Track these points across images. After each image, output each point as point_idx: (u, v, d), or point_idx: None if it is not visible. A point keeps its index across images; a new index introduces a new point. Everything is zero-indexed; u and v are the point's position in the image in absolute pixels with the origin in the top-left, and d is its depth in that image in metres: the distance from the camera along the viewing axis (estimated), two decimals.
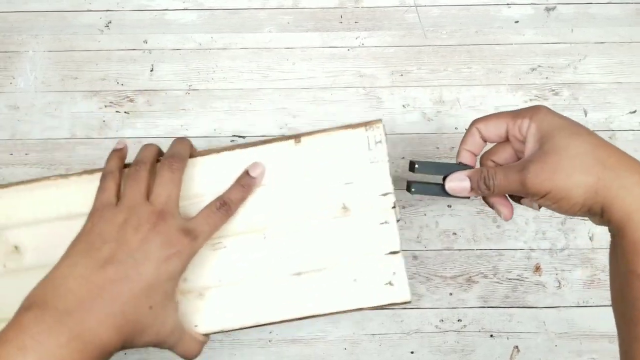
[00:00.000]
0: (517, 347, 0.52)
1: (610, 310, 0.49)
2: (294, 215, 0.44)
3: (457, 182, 0.40)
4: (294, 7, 0.54)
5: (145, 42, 0.53)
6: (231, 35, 0.54)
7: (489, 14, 0.54)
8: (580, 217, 0.38)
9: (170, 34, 0.53)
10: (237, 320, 0.44)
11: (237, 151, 0.45)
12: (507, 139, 0.40)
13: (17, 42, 0.53)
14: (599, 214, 0.35)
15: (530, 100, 0.54)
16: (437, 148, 0.53)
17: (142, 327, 0.37)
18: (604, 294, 0.53)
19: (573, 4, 0.54)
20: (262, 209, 0.44)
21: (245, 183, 0.43)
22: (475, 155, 0.42)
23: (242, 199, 0.43)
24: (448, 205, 0.53)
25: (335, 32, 0.54)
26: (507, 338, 0.52)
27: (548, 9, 0.54)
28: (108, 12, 0.54)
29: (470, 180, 0.40)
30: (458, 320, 0.53)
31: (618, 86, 0.54)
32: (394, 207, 0.43)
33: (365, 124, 0.44)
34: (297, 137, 0.44)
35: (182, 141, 0.44)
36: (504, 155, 0.41)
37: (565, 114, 0.54)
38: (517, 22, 0.54)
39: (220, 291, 0.44)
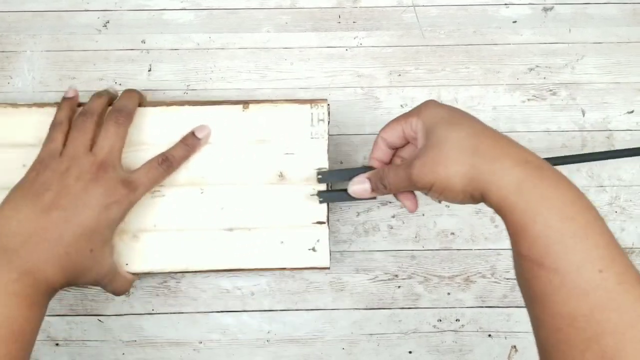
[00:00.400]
0: (515, 346, 0.53)
1: None
2: (232, 176, 0.47)
3: (359, 185, 0.42)
4: (292, 7, 0.54)
5: (143, 42, 0.53)
6: (229, 35, 0.54)
7: (487, 14, 0.54)
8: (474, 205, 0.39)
9: (168, 33, 0.53)
10: (167, 264, 0.47)
11: (187, 107, 0.47)
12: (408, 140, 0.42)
13: (14, 42, 0.53)
14: (481, 200, 0.36)
15: (528, 100, 0.54)
16: None
17: (84, 268, 0.40)
18: None
19: (571, 4, 0.54)
20: (203, 165, 0.47)
21: (190, 143, 0.45)
22: (386, 163, 0.44)
23: (185, 157, 0.45)
24: (446, 205, 0.53)
25: (333, 32, 0.54)
26: (505, 338, 0.52)
27: (546, 9, 0.54)
28: (106, 11, 0.53)
29: (370, 182, 0.41)
30: (456, 320, 0.53)
31: (616, 86, 0.54)
32: (330, 186, 0.47)
33: (311, 101, 0.47)
34: (245, 103, 0.47)
35: (130, 93, 0.45)
36: (408, 150, 0.43)
37: (563, 114, 0.54)
38: (515, 22, 0.54)
39: (154, 235, 0.47)
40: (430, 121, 0.38)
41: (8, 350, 0.35)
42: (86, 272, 0.40)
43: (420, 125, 0.38)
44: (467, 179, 0.35)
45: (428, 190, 0.37)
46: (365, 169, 0.44)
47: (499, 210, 0.34)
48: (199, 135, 0.45)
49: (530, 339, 0.53)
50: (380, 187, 0.41)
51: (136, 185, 0.42)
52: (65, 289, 0.52)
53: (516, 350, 0.53)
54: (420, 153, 0.37)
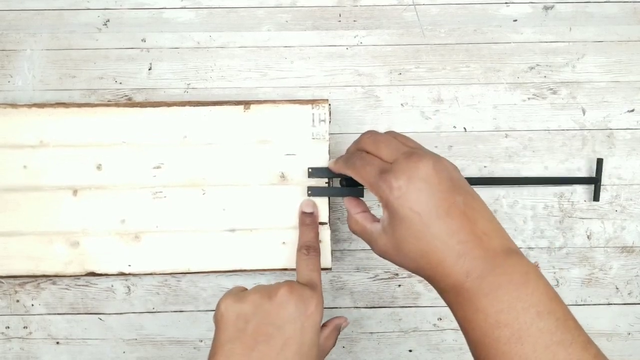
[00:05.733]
0: None
1: (608, 308, 0.49)
2: (234, 176, 0.47)
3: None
4: (292, 5, 0.54)
5: (144, 40, 0.53)
6: (229, 34, 0.53)
7: (488, 12, 0.54)
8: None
9: (169, 32, 0.53)
10: (168, 265, 0.47)
11: (188, 108, 0.48)
12: None
13: (14, 41, 0.53)
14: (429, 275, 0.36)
15: (529, 98, 0.54)
16: (436, 147, 0.53)
17: None
18: (602, 292, 0.53)
19: (571, 2, 0.54)
20: (204, 166, 0.48)
21: (309, 221, 0.46)
22: None
23: (317, 235, 0.46)
24: None
25: (333, 31, 0.54)
26: None
27: (546, 8, 0.54)
28: (106, 10, 0.53)
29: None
30: None
31: (616, 85, 0.54)
32: (327, 183, 0.47)
33: (312, 101, 0.48)
34: (247, 103, 0.47)
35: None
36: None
37: (564, 112, 0.54)
38: (515, 20, 0.54)
39: (156, 236, 0.48)
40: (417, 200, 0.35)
41: None
42: None
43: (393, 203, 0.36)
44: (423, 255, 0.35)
45: (386, 205, 0.36)
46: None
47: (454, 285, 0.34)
48: (307, 210, 0.47)
49: None
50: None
51: (314, 281, 0.41)
52: (66, 286, 0.52)
53: None
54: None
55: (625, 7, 0.54)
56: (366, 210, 0.41)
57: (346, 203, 0.42)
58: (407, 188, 0.35)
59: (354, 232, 0.41)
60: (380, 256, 0.39)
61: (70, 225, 0.47)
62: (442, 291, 0.36)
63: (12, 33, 0.53)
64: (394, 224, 0.36)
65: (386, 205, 0.36)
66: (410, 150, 0.37)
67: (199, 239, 0.47)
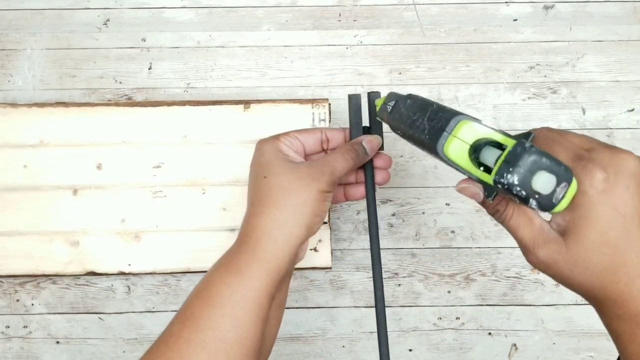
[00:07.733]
0: (515, 345, 0.53)
1: None
2: (234, 176, 0.47)
3: (469, 188, 0.32)
4: (292, 5, 0.54)
5: (144, 40, 0.53)
6: (229, 34, 0.53)
7: (488, 12, 0.54)
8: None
9: (169, 32, 0.53)
10: (168, 264, 0.48)
11: (188, 107, 0.48)
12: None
13: (14, 40, 0.53)
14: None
15: (529, 98, 0.54)
16: None
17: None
18: None
19: (571, 2, 0.54)
20: (204, 166, 0.48)
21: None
22: None
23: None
24: (446, 204, 0.53)
25: (333, 30, 0.54)
26: (505, 336, 0.53)
27: (546, 7, 0.54)
28: (106, 9, 0.53)
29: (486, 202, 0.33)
30: (456, 318, 0.53)
31: (616, 84, 0.54)
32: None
33: (312, 101, 0.48)
34: (246, 102, 0.48)
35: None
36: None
37: (564, 112, 0.54)
38: (515, 20, 0.54)
39: (156, 236, 0.48)
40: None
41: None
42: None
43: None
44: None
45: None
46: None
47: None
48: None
49: (530, 337, 0.54)
50: (493, 210, 0.32)
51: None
52: (66, 285, 0.52)
53: (516, 349, 0.53)
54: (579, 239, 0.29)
55: (625, 7, 0.54)
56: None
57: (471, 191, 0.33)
58: (614, 182, 0.28)
59: (502, 222, 0.32)
60: (538, 267, 0.31)
61: (70, 224, 0.47)
62: (616, 319, 0.30)
63: (12, 33, 0.53)
64: (584, 225, 0.28)
65: (578, 200, 0.28)
66: (604, 143, 0.30)
67: (198, 239, 0.47)
